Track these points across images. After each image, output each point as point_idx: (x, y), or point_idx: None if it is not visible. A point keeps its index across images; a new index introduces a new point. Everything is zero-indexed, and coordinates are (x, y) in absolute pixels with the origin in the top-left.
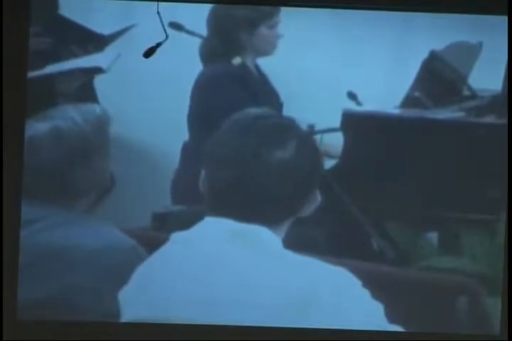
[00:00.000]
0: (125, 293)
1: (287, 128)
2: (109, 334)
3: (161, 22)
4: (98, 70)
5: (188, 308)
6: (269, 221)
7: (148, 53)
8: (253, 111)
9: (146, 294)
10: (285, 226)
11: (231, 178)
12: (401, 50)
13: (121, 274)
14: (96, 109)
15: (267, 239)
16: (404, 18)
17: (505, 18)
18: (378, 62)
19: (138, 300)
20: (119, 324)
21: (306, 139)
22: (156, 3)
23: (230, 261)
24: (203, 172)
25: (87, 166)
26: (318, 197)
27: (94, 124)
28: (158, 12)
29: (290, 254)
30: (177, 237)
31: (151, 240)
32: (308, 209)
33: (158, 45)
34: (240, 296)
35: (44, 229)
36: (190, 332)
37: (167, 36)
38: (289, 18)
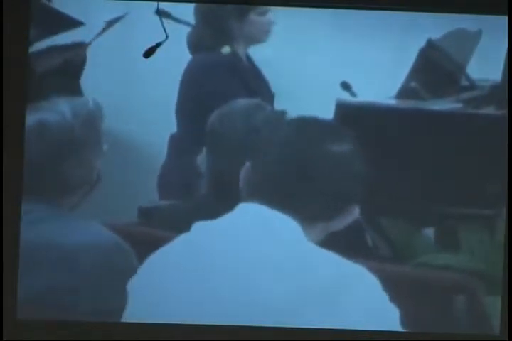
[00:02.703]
0: (132, 286)
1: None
2: (109, 334)
3: (161, 22)
4: (80, 45)
5: (199, 305)
6: (304, 218)
7: (148, 53)
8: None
9: (156, 287)
10: (317, 228)
11: (281, 171)
12: (399, 42)
13: (105, 271)
14: (88, 102)
15: (294, 234)
16: (403, 16)
17: (505, 17)
18: (374, 53)
19: (142, 295)
20: (119, 324)
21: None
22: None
23: (253, 255)
24: (247, 164)
25: (74, 162)
26: (356, 212)
27: (85, 119)
28: (158, 12)
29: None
30: (200, 226)
31: (137, 236)
32: (342, 223)
33: (158, 44)
34: (250, 293)
35: (27, 224)
36: (194, 331)
37: (167, 36)
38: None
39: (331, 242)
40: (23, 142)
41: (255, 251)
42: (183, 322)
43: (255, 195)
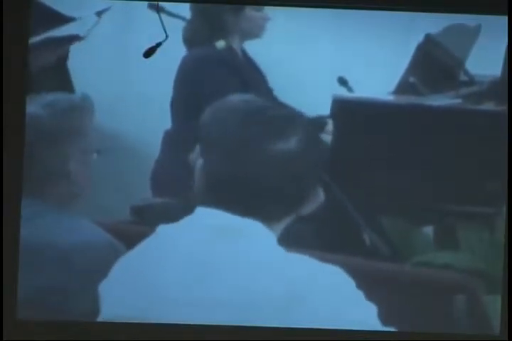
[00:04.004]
0: (104, 289)
1: (293, 119)
2: (109, 334)
3: (161, 22)
4: (75, 38)
5: (174, 307)
6: (266, 217)
7: (148, 53)
8: (256, 100)
9: (127, 291)
10: (283, 224)
11: (230, 169)
12: (397, 38)
13: (98, 272)
14: (76, 97)
15: (261, 235)
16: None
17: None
18: (372, 48)
19: (118, 298)
20: (119, 324)
21: (311, 132)
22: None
23: (219, 256)
24: (200, 160)
25: (60, 155)
26: (320, 195)
27: (73, 113)
28: (158, 12)
29: (283, 252)
30: (163, 230)
31: (130, 235)
32: (309, 208)
33: (158, 44)
34: (227, 294)
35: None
36: (184, 332)
37: (167, 36)
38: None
39: (326, 240)
40: (23, 141)
41: (221, 254)
42: (169, 322)
43: (211, 197)
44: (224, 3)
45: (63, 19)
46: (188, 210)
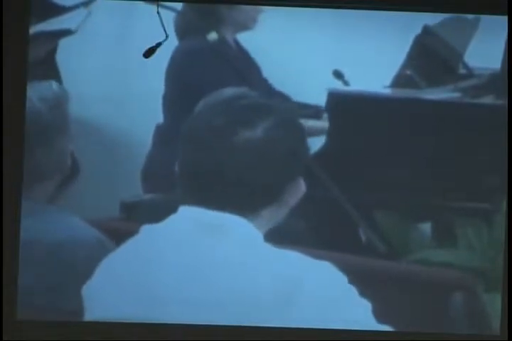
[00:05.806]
0: (89, 289)
1: (266, 108)
2: (109, 334)
3: (161, 22)
4: (66, 32)
5: (160, 306)
6: (246, 210)
7: (148, 53)
8: (229, 91)
9: (112, 291)
10: (265, 217)
11: (206, 163)
12: (394, 30)
13: (86, 270)
14: (52, 86)
15: (245, 231)
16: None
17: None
18: (368, 40)
19: (103, 298)
20: (119, 324)
21: (287, 121)
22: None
23: (205, 255)
24: (181, 155)
25: (43, 148)
26: (302, 186)
27: (51, 103)
28: (158, 12)
29: (270, 248)
30: (147, 230)
31: (120, 232)
32: (292, 199)
33: (158, 45)
34: (214, 293)
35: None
36: (190, 332)
37: (167, 36)
38: None
39: (321, 237)
40: (23, 140)
41: (206, 253)
42: (156, 322)
43: (190, 193)
44: (223, 2)
45: (54, 12)
46: (173, 208)
